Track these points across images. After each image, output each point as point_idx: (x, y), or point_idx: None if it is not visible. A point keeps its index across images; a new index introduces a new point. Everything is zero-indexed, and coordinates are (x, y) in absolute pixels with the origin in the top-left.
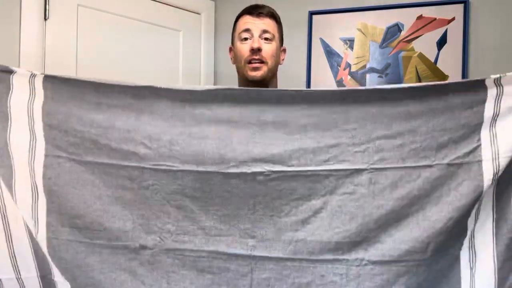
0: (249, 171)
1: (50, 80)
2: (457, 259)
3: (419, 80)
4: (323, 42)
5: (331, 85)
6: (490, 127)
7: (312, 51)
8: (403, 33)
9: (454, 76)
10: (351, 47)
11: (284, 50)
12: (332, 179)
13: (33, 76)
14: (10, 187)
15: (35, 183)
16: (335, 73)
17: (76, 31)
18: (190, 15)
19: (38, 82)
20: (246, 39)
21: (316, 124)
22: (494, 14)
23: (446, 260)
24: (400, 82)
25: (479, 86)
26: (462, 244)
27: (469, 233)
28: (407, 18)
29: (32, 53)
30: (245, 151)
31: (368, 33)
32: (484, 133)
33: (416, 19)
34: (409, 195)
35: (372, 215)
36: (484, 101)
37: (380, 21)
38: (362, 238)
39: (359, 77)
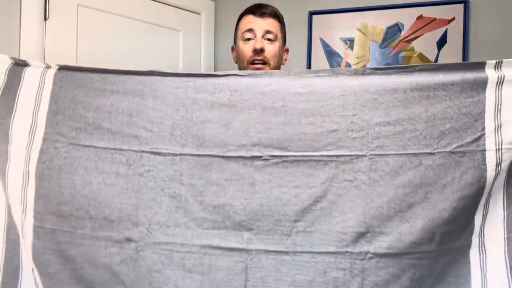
0: (247, 155)
1: (62, 71)
2: (466, 256)
3: None
4: (323, 42)
5: None
6: (495, 116)
7: (312, 51)
8: (403, 33)
9: None
10: (351, 47)
11: (287, 50)
12: (332, 165)
13: (47, 67)
14: (3, 173)
15: (28, 169)
16: None
17: (76, 31)
18: (190, 15)
19: (50, 73)
20: (249, 39)
21: (315, 110)
22: (494, 14)
23: (453, 255)
24: None
25: (478, 70)
26: (471, 242)
27: (477, 230)
28: (407, 18)
29: (32, 53)
30: (245, 136)
31: (368, 33)
32: (489, 122)
33: (416, 19)
34: (411, 183)
35: (374, 203)
36: (484, 89)
37: (380, 21)
38: (365, 229)
39: None
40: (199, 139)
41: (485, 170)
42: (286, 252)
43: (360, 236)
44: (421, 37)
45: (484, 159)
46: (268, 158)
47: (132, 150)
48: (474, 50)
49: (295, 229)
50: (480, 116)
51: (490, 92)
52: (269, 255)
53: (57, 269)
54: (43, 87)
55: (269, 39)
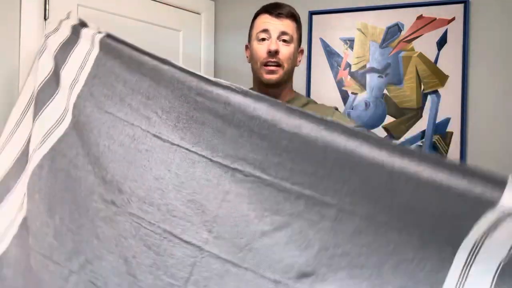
0: (231, 165)
1: (108, 38)
2: None
3: (419, 80)
4: (323, 42)
5: (331, 85)
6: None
7: (312, 51)
8: (403, 33)
9: (454, 76)
10: (351, 47)
11: (302, 51)
12: (302, 202)
13: (98, 32)
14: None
15: (64, 118)
16: (335, 73)
17: None
18: (190, 15)
19: (99, 37)
20: (263, 39)
21: (297, 150)
22: (494, 14)
23: None
24: (401, 82)
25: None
26: None
27: None
28: (407, 18)
29: (32, 53)
30: (233, 148)
31: (368, 33)
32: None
33: (416, 19)
34: (370, 247)
35: (328, 251)
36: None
37: (380, 21)
38: (311, 271)
39: (359, 77)
40: (196, 137)
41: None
42: (233, 264)
43: (305, 275)
44: (421, 37)
45: None
46: (248, 174)
47: (141, 128)
48: (474, 50)
49: (248, 246)
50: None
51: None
52: (218, 260)
53: (46, 198)
54: (92, 50)
55: (284, 41)
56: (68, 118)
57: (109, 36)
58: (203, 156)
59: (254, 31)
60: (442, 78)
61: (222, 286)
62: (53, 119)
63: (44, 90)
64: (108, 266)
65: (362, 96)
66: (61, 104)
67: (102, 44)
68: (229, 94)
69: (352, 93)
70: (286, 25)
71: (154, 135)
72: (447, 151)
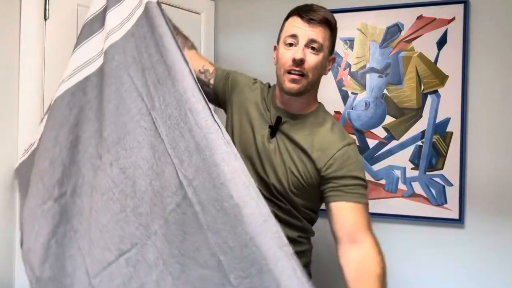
0: (186, 187)
1: (153, 4)
2: None
3: (419, 80)
4: None
5: (331, 85)
6: None
7: None
8: (403, 33)
9: (454, 76)
10: (351, 47)
11: (333, 60)
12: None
13: None
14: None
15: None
16: (335, 73)
17: (76, 31)
18: (190, 15)
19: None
20: (291, 45)
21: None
22: (494, 14)
23: None
24: (401, 82)
25: None
26: None
27: None
28: (407, 18)
29: (32, 53)
30: (191, 173)
31: (368, 33)
32: None
33: (416, 19)
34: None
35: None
36: None
37: (380, 21)
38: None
39: (359, 77)
40: (173, 142)
41: None
42: (165, 262)
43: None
44: (421, 37)
45: None
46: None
47: (147, 106)
48: (474, 50)
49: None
50: None
51: None
52: (155, 254)
53: (56, 126)
54: (138, 7)
55: (313, 48)
56: (100, 61)
57: (158, 3)
58: (172, 163)
59: (283, 34)
60: (442, 78)
61: (147, 276)
62: (87, 57)
63: (90, 25)
64: (80, 205)
65: (362, 96)
66: (98, 45)
67: (147, 7)
68: (207, 130)
69: (352, 93)
70: (317, 32)
71: (153, 119)
72: (447, 151)
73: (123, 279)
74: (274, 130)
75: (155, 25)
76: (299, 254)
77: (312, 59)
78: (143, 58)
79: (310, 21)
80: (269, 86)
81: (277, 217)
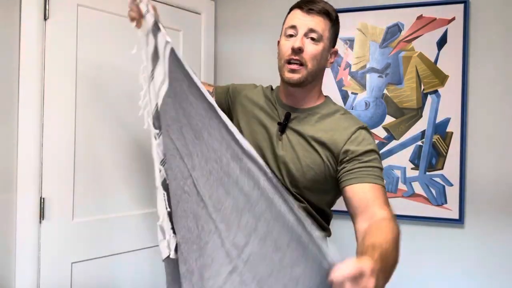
0: (236, 257)
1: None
2: None
3: (419, 80)
4: None
5: (331, 85)
6: None
7: None
8: (403, 33)
9: (454, 76)
10: (351, 47)
11: (335, 53)
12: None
13: (166, 42)
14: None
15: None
16: (335, 73)
17: (76, 31)
18: (190, 15)
19: (167, 50)
20: (291, 35)
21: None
22: (494, 14)
23: None
24: (401, 82)
25: None
26: None
27: None
28: (407, 18)
29: (32, 53)
30: (243, 236)
31: (368, 33)
32: None
33: (416, 19)
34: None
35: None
36: None
37: (380, 21)
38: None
39: (359, 77)
40: (219, 204)
41: None
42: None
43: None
44: (421, 37)
45: None
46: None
47: (187, 169)
48: (474, 50)
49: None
50: None
51: None
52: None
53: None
54: (165, 65)
55: (312, 38)
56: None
57: (171, 50)
58: (219, 234)
59: (284, 27)
60: (442, 78)
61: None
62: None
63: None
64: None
65: (362, 96)
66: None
67: (169, 60)
68: (260, 176)
69: (352, 93)
70: (316, 22)
71: (194, 182)
72: (447, 151)
73: None
74: (283, 126)
75: (180, 77)
76: None
77: (311, 48)
78: (179, 115)
79: (309, 11)
80: (272, 89)
81: None
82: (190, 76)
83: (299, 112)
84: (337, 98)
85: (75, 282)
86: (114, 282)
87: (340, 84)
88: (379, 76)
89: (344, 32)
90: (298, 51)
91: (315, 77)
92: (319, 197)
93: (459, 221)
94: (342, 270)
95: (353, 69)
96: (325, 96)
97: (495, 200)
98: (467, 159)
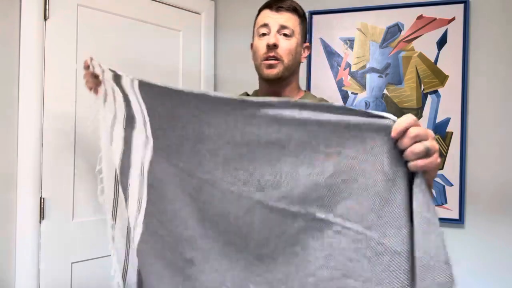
0: (291, 209)
1: (143, 85)
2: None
3: (419, 80)
4: (323, 42)
5: (331, 85)
6: None
7: (312, 51)
8: (403, 33)
9: (454, 76)
10: (351, 47)
11: (308, 47)
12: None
13: (132, 80)
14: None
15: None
16: (335, 73)
17: (76, 31)
18: (190, 15)
19: (136, 85)
20: (264, 34)
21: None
22: (494, 14)
23: None
24: (401, 82)
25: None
26: None
27: None
28: (407, 18)
29: (32, 53)
30: (290, 187)
31: (368, 33)
32: None
33: (416, 19)
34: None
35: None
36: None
37: (380, 21)
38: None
39: (359, 77)
40: (246, 176)
41: None
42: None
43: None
44: (421, 37)
45: None
46: (310, 219)
47: (198, 177)
48: (474, 50)
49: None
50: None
51: None
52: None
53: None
54: (139, 100)
55: (285, 35)
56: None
57: (141, 82)
58: (257, 201)
59: (256, 27)
60: (442, 78)
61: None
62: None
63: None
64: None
65: (362, 96)
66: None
67: (143, 92)
68: (278, 111)
69: (352, 93)
70: (286, 18)
71: (210, 183)
72: (447, 151)
73: None
74: None
75: (158, 99)
76: None
77: (285, 44)
78: (171, 138)
79: (278, 9)
80: (248, 94)
81: None
82: (172, 89)
83: None
84: (337, 98)
85: (75, 282)
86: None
87: (340, 84)
88: (379, 76)
89: (344, 32)
90: (273, 47)
91: (292, 72)
92: None
93: (459, 221)
94: (402, 121)
95: (353, 69)
96: (305, 90)
97: (495, 200)
98: (467, 159)
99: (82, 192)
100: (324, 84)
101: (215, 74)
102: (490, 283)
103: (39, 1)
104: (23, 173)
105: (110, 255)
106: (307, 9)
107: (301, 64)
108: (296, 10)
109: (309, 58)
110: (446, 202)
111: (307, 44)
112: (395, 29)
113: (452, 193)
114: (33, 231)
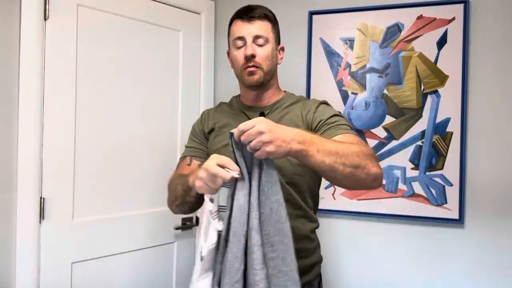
0: None
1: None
2: None
3: (419, 80)
4: (323, 42)
5: (331, 85)
6: None
7: (312, 51)
8: (403, 33)
9: (454, 76)
10: (351, 47)
11: (282, 49)
12: None
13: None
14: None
15: None
16: (335, 73)
17: (76, 31)
18: (190, 15)
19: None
20: (240, 47)
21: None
22: (494, 14)
23: None
24: (401, 82)
25: None
26: None
27: None
28: (407, 18)
29: (32, 53)
30: None
31: (368, 33)
32: None
33: (416, 19)
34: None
35: None
36: None
37: (380, 21)
38: None
39: (359, 77)
40: None
41: None
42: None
43: None
44: (421, 37)
45: None
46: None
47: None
48: (474, 50)
49: None
50: None
51: None
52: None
53: None
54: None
55: (259, 44)
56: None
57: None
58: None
59: (231, 38)
60: (442, 78)
61: None
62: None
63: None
64: None
65: (362, 96)
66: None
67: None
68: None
69: (352, 93)
70: (259, 27)
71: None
72: (447, 151)
73: None
74: None
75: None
76: (311, 251)
77: (261, 52)
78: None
79: (250, 19)
80: (225, 103)
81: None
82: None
83: (268, 108)
84: (337, 98)
85: (75, 282)
86: (114, 282)
87: (340, 84)
88: (379, 76)
89: (344, 32)
90: (251, 57)
91: (271, 75)
92: (305, 179)
93: (459, 221)
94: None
95: (353, 69)
96: (284, 90)
97: (495, 200)
98: (467, 159)
99: (82, 192)
100: (324, 84)
101: (215, 74)
102: (490, 283)
103: (39, 1)
104: (23, 173)
105: (110, 255)
106: (307, 9)
107: (301, 64)
108: (267, 16)
109: (309, 58)
110: (446, 202)
111: (282, 45)
112: (395, 29)
113: (452, 193)
114: (33, 231)
